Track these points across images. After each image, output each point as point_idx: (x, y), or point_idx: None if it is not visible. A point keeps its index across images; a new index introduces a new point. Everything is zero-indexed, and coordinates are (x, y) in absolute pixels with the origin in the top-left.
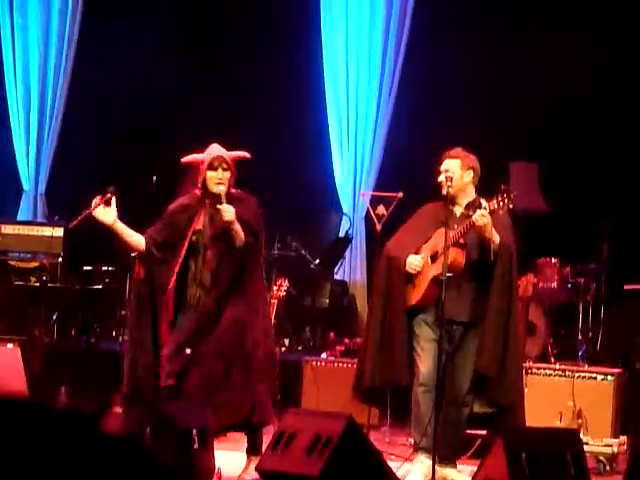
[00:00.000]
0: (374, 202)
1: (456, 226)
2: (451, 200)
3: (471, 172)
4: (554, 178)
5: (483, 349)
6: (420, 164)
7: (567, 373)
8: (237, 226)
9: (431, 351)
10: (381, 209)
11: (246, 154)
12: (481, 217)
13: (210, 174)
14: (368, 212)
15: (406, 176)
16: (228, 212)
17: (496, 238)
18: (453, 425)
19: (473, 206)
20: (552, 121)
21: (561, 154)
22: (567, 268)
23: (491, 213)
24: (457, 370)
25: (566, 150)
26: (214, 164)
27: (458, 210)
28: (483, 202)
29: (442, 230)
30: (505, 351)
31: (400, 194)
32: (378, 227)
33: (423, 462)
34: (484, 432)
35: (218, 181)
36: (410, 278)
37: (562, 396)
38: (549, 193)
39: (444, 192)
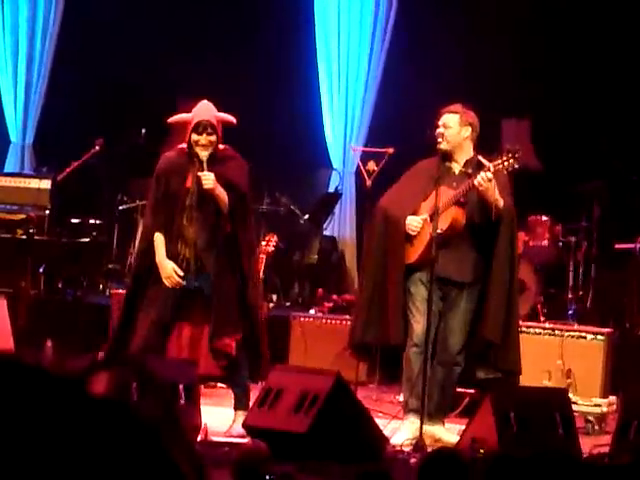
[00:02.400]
0: (364, 157)
1: (455, 184)
2: (448, 156)
3: (469, 128)
4: (546, 135)
5: (487, 315)
6: (412, 119)
7: (557, 332)
8: (219, 191)
9: (426, 311)
10: (372, 165)
11: (233, 119)
12: (485, 181)
13: (195, 137)
14: (358, 167)
15: (397, 131)
16: (207, 181)
17: (500, 201)
18: (442, 384)
19: (472, 164)
20: (545, 76)
21: (553, 110)
22: (558, 226)
23: (495, 174)
24: (449, 329)
25: (558, 106)
26: (199, 128)
27: (456, 167)
28: (486, 162)
29: (444, 189)
30: (508, 316)
31: (391, 149)
32: (368, 183)
33: (413, 423)
34: (472, 390)
35: (202, 145)
36: (408, 237)
37: (551, 355)
38: (541, 150)
39: (439, 146)
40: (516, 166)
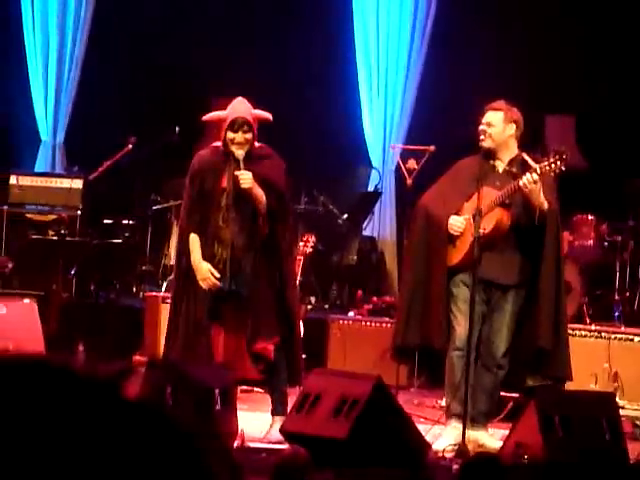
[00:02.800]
0: (405, 155)
1: (498, 183)
2: (491, 155)
3: (513, 125)
4: (592, 132)
5: (538, 321)
6: (453, 116)
7: (603, 334)
8: (257, 191)
9: (473, 316)
10: (412, 163)
11: (269, 116)
12: (530, 182)
13: (230, 135)
14: (398, 166)
15: (438, 129)
16: (245, 180)
17: (544, 204)
18: (486, 388)
19: (516, 163)
20: (592, 72)
21: (599, 107)
22: (604, 226)
23: (541, 176)
24: (494, 332)
25: (605, 103)
26: (235, 125)
27: (500, 165)
28: (531, 162)
29: (487, 190)
30: (558, 321)
31: (432, 147)
32: (409, 181)
33: (456, 428)
34: (516, 395)
35: (238, 143)
36: (451, 238)
37: (598, 358)
38: (586, 147)
39: (483, 144)
40: (563, 168)
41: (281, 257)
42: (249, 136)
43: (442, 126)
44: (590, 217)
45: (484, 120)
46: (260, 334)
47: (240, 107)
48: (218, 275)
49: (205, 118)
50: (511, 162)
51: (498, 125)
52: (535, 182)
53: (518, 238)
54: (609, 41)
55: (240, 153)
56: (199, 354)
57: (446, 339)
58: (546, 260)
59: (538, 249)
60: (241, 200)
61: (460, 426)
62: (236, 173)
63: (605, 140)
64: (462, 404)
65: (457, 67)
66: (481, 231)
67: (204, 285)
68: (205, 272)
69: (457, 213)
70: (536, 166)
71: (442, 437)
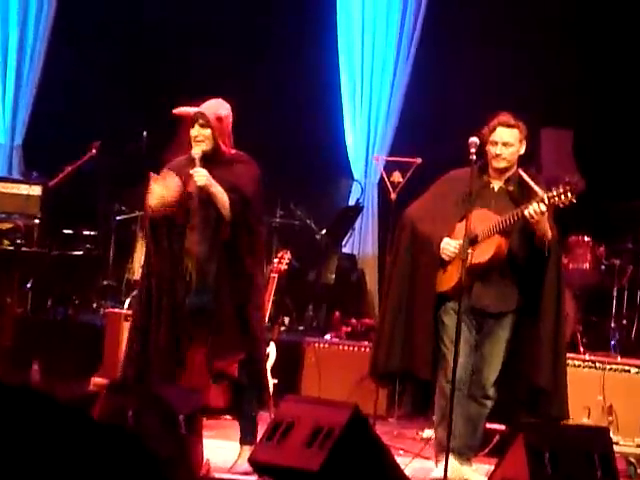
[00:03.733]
0: (389, 168)
1: (493, 202)
2: (486, 170)
3: (525, 142)
4: (590, 148)
5: (540, 361)
6: (440, 127)
7: (597, 365)
8: (217, 191)
9: (465, 347)
10: (397, 175)
11: (221, 113)
12: (538, 214)
13: (191, 131)
14: (382, 178)
15: (425, 140)
16: (199, 177)
17: (549, 233)
18: (473, 420)
19: (513, 180)
20: (588, 84)
21: (598, 121)
22: (601, 248)
23: (549, 208)
24: (484, 361)
25: (604, 117)
26: (192, 121)
27: (495, 184)
28: (537, 188)
29: (483, 212)
30: (557, 357)
31: (418, 160)
32: (393, 195)
33: (450, 463)
34: (503, 427)
35: (195, 139)
36: (442, 262)
37: (591, 390)
38: (584, 164)
39: (498, 165)
40: (574, 201)
41: (244, 268)
42: (207, 132)
43: (429, 137)
44: (586, 238)
45: (498, 139)
46: (222, 351)
47: (205, 104)
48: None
49: (175, 112)
50: (508, 180)
51: (515, 144)
52: (543, 213)
53: (513, 265)
54: (609, 52)
55: (197, 151)
56: (161, 378)
57: (431, 370)
58: (547, 294)
59: (536, 276)
60: (205, 206)
61: (455, 462)
62: (190, 171)
63: (604, 157)
64: (455, 437)
65: (444, 77)
66: (479, 260)
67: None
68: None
69: (449, 234)
70: (544, 195)
71: (435, 472)
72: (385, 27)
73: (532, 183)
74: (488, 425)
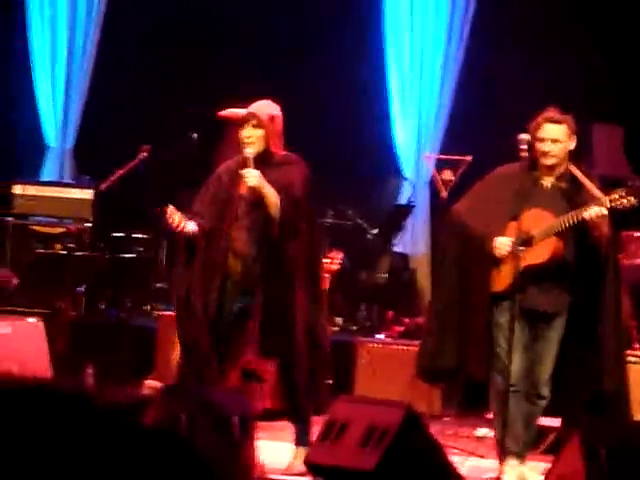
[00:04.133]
0: (440, 166)
1: (544, 200)
2: (536, 166)
3: (574, 138)
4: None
5: (605, 365)
6: (491, 124)
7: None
8: (269, 192)
9: (519, 346)
10: (448, 174)
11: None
12: (599, 216)
13: (241, 133)
14: (433, 177)
15: (476, 137)
16: (250, 177)
17: (606, 234)
18: (526, 419)
19: (565, 177)
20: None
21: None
22: None
23: (610, 210)
24: (537, 360)
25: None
26: (243, 122)
27: (547, 180)
28: (596, 191)
29: (538, 212)
30: (621, 359)
31: (469, 157)
32: (444, 194)
33: (514, 466)
34: (558, 424)
35: (246, 140)
36: (495, 261)
37: (633, 386)
38: (635, 160)
39: (546, 162)
40: (636, 205)
41: (292, 268)
42: (258, 133)
43: (479, 135)
44: (639, 234)
45: (546, 135)
46: (256, 351)
47: (255, 104)
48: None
49: (221, 114)
50: (560, 177)
51: (564, 140)
52: (604, 217)
53: (567, 265)
54: None
55: (249, 151)
56: (206, 381)
57: (486, 370)
58: (607, 294)
59: (592, 277)
60: (254, 207)
61: (517, 465)
62: (241, 172)
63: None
64: (512, 438)
65: (494, 74)
66: (536, 261)
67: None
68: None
69: (501, 233)
70: (605, 199)
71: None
72: (434, 24)
73: (587, 182)
74: (544, 422)
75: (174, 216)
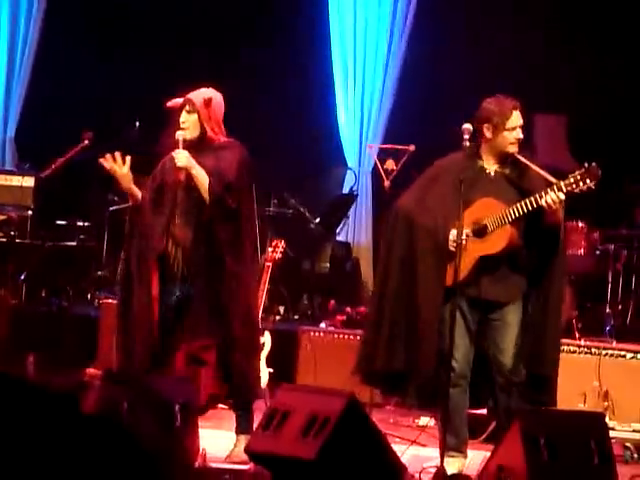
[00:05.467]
0: (382, 155)
1: (491, 188)
2: (477, 154)
3: None
4: (583, 132)
5: (546, 348)
6: (433, 114)
7: (593, 350)
8: (197, 173)
9: (465, 338)
10: (390, 163)
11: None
12: (556, 202)
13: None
14: (375, 166)
15: (418, 127)
16: (179, 158)
17: (562, 220)
18: (506, 408)
19: (508, 163)
20: (583, 68)
21: (592, 105)
22: (595, 233)
23: (567, 195)
24: (499, 349)
25: (598, 101)
26: (181, 107)
27: (490, 167)
28: (550, 178)
29: (488, 200)
30: (558, 345)
31: (412, 147)
32: (387, 183)
33: (454, 457)
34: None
35: (181, 125)
36: (449, 254)
37: (587, 376)
38: (578, 149)
39: (514, 150)
40: (593, 188)
41: (220, 253)
42: (193, 117)
43: (422, 125)
44: (581, 224)
45: (517, 123)
46: (190, 334)
47: (195, 91)
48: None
49: (169, 104)
50: (504, 164)
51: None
52: (561, 202)
53: (521, 252)
54: (604, 39)
55: (179, 134)
56: (148, 368)
57: (434, 365)
58: (556, 279)
59: (544, 263)
60: (188, 190)
61: (459, 456)
62: (172, 153)
63: (597, 142)
64: (452, 434)
65: (437, 63)
66: (491, 251)
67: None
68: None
69: (451, 225)
70: (560, 183)
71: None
72: (377, 14)
73: (535, 167)
74: (483, 412)
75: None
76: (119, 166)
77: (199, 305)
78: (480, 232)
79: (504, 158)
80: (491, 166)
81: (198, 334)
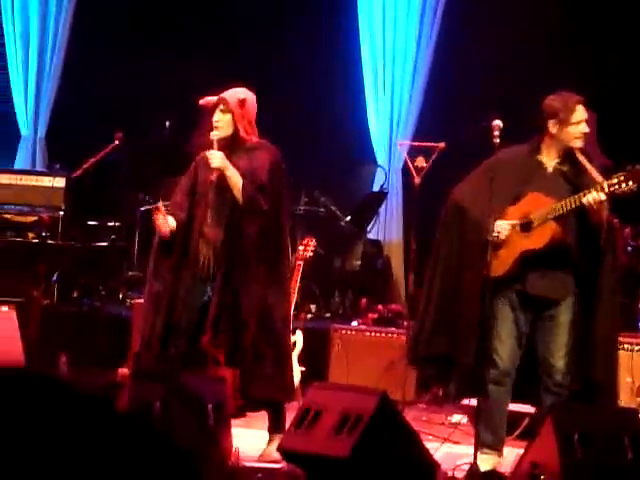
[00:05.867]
0: (413, 153)
1: (546, 184)
2: (538, 149)
3: None
4: (615, 129)
5: (597, 354)
6: (463, 111)
7: (625, 346)
8: (231, 174)
9: (513, 336)
10: (420, 160)
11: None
12: (597, 202)
13: (212, 119)
14: (406, 164)
15: (449, 124)
16: (213, 158)
17: (605, 219)
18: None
19: (567, 160)
20: (614, 65)
21: (624, 102)
22: (627, 229)
23: (609, 196)
24: (548, 349)
25: (630, 98)
26: (214, 106)
27: (548, 163)
28: (595, 174)
29: (537, 196)
30: (614, 349)
31: (442, 144)
32: (417, 180)
33: (488, 454)
34: (532, 410)
35: (214, 124)
36: (495, 246)
37: (620, 371)
38: (609, 145)
39: (581, 145)
40: (635, 190)
41: (244, 252)
42: (227, 117)
43: (452, 122)
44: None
45: (582, 117)
46: (212, 331)
47: (228, 90)
48: (173, 224)
49: (201, 102)
50: (563, 160)
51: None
52: (602, 202)
53: (569, 250)
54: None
55: (214, 134)
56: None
57: (474, 356)
58: (605, 280)
59: (592, 262)
60: (221, 190)
61: (492, 454)
62: (206, 153)
63: (627, 137)
64: (490, 432)
65: (467, 60)
66: (535, 246)
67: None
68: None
69: (501, 217)
70: (604, 183)
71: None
72: (406, 10)
73: (589, 166)
74: (517, 408)
75: (160, 216)
76: (164, 216)
77: (219, 303)
78: (526, 226)
79: (566, 154)
80: (550, 162)
81: (217, 336)
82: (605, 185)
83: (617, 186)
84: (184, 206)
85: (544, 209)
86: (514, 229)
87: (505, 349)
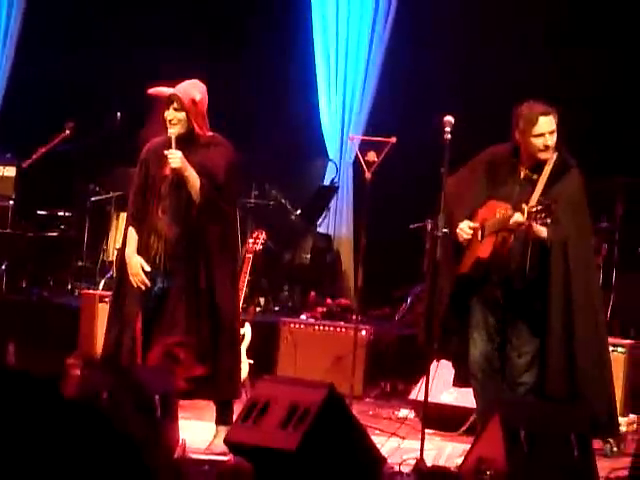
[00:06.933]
0: (364, 147)
1: (517, 189)
2: (517, 152)
3: None
4: (564, 128)
5: (549, 369)
6: (415, 106)
7: None
8: (190, 173)
9: (480, 331)
10: (372, 155)
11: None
12: (516, 223)
13: (165, 114)
14: (357, 158)
15: (400, 119)
16: (173, 158)
17: (542, 234)
18: None
19: (537, 170)
20: (565, 65)
21: (572, 101)
22: None
23: (528, 220)
24: (512, 348)
25: (578, 97)
26: (167, 102)
27: (522, 170)
28: (532, 199)
29: (492, 203)
30: (574, 362)
31: (393, 139)
32: (368, 175)
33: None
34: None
35: (169, 122)
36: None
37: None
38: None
39: (547, 157)
40: (548, 221)
41: (210, 252)
42: (181, 115)
43: (403, 117)
44: None
45: (544, 129)
46: (170, 330)
47: (181, 85)
48: (149, 269)
49: (150, 92)
50: (535, 168)
51: (555, 129)
52: (520, 225)
53: (508, 263)
54: (591, 33)
55: (172, 132)
56: (124, 356)
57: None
58: (552, 297)
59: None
60: (178, 188)
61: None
62: (165, 152)
63: (577, 135)
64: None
65: (420, 56)
66: (482, 255)
67: (133, 281)
68: (136, 267)
69: (470, 217)
70: (525, 208)
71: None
72: (359, 6)
73: (540, 185)
74: (465, 405)
75: (139, 277)
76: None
77: (176, 302)
78: (482, 233)
79: (537, 163)
80: (524, 168)
81: (174, 331)
82: (525, 210)
83: (535, 215)
84: (140, 208)
85: (493, 220)
86: (475, 233)
87: (475, 345)
